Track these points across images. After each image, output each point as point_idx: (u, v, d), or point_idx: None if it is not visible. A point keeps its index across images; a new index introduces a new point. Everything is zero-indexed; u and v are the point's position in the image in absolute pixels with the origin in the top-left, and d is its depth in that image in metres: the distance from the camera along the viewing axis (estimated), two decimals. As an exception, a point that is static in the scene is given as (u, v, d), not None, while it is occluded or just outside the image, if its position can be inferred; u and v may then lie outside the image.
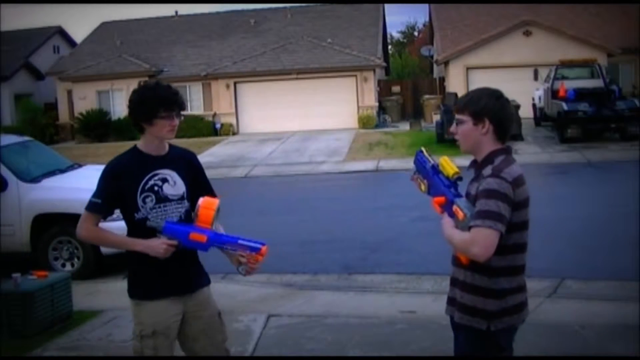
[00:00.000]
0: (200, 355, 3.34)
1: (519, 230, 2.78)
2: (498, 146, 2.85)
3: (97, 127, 27.27)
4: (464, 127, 2.85)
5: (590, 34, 26.32)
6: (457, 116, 2.88)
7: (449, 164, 2.88)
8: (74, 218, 7.71)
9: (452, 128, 2.92)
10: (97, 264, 7.96)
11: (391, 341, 5.32)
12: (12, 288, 5.66)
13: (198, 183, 3.36)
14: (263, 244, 3.13)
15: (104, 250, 7.73)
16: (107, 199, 3.20)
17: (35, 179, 8.15)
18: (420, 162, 2.99)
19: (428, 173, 2.93)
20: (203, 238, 3.11)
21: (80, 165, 9.36)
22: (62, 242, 7.97)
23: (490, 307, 2.79)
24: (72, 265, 7.95)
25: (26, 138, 9.73)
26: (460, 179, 2.86)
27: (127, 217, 3.23)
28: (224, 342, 3.43)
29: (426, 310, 5.81)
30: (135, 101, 3.19)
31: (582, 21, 28.06)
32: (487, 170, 2.76)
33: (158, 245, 3.11)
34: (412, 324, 5.69)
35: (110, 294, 7.16)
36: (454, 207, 2.76)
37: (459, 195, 2.82)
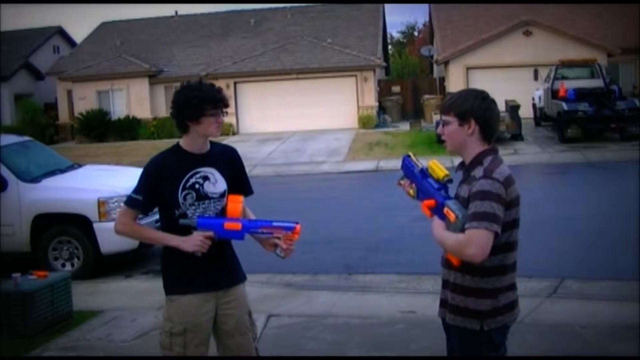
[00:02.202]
0: (235, 353, 3.34)
1: (510, 228, 2.79)
2: (485, 147, 2.86)
3: (97, 127, 27.28)
4: (450, 128, 2.87)
5: (590, 34, 26.32)
6: (443, 117, 2.90)
7: (439, 167, 2.88)
8: (73, 218, 7.84)
9: (439, 129, 2.94)
10: (97, 264, 7.96)
11: (391, 341, 5.32)
12: (12, 288, 5.66)
13: (239, 177, 3.40)
14: (297, 223, 3.20)
15: (104, 250, 7.74)
16: (148, 196, 3.22)
17: (35, 179, 8.15)
18: (407, 167, 2.99)
19: (417, 177, 2.93)
20: (238, 226, 3.16)
21: (80, 165, 9.35)
22: (62, 242, 7.97)
23: (483, 307, 2.80)
24: (72, 265, 7.95)
25: (26, 138, 9.73)
26: (450, 181, 2.86)
27: (166, 214, 3.25)
28: (255, 341, 3.46)
29: (426, 310, 5.81)
30: (182, 101, 3.21)
31: (582, 21, 28.06)
32: (478, 172, 2.77)
33: (194, 239, 3.13)
34: (412, 324, 5.69)
35: (110, 294, 7.16)
36: (445, 209, 2.76)
37: (449, 198, 2.82)
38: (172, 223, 3.22)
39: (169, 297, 3.28)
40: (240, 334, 3.35)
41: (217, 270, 3.26)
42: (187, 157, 3.25)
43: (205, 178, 3.25)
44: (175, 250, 3.19)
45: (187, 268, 3.22)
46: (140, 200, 3.22)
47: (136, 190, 3.25)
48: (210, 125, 3.20)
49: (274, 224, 3.19)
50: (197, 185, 3.22)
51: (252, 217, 3.41)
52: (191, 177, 3.22)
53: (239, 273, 3.42)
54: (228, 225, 3.16)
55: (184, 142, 3.28)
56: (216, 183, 3.27)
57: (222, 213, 3.26)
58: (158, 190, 3.21)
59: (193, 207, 3.21)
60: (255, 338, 3.46)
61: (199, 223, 3.16)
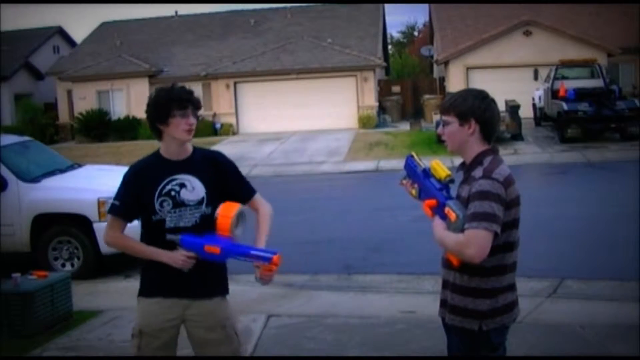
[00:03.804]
0: None
1: (509, 228, 2.79)
2: (485, 147, 2.86)
3: (97, 127, 27.28)
4: (450, 128, 2.87)
5: (590, 34, 26.32)
6: (443, 117, 2.90)
7: (441, 167, 2.88)
8: (74, 218, 7.83)
9: (439, 129, 2.94)
10: (97, 264, 7.96)
11: (391, 341, 5.32)
12: (12, 288, 5.66)
13: (230, 182, 3.32)
14: (275, 253, 3.06)
15: (104, 250, 7.74)
16: (125, 201, 3.21)
17: (35, 179, 8.15)
18: (410, 167, 2.99)
19: (419, 177, 2.93)
20: (216, 250, 3.09)
21: (80, 165, 9.35)
22: (62, 242, 7.97)
23: (481, 307, 2.80)
24: (72, 265, 7.95)
25: (26, 138, 9.74)
26: (452, 181, 2.86)
27: (144, 219, 3.23)
28: (235, 353, 3.33)
29: (426, 310, 5.80)
30: (150, 104, 3.21)
31: (582, 21, 28.06)
32: (478, 172, 2.77)
33: (177, 257, 3.12)
34: (412, 324, 5.69)
35: (110, 294, 7.16)
36: (446, 209, 2.76)
37: (450, 198, 2.82)
38: (151, 229, 3.20)
39: (137, 299, 3.29)
40: (213, 345, 3.27)
41: (187, 278, 3.18)
42: (164, 164, 3.22)
43: (182, 185, 3.20)
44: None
45: (159, 273, 3.19)
46: (117, 206, 3.22)
47: (115, 196, 3.25)
48: (179, 126, 3.15)
49: (252, 252, 3.09)
50: (172, 193, 3.18)
51: (266, 219, 3.32)
52: (167, 184, 3.18)
53: (215, 286, 3.31)
54: (208, 248, 3.10)
55: (161, 148, 3.26)
56: (193, 190, 3.21)
57: (204, 222, 3.18)
58: (135, 195, 3.19)
59: (170, 215, 3.17)
60: (234, 350, 3.32)
61: (182, 241, 3.12)
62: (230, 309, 3.38)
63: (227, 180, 3.31)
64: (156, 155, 3.28)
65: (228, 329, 3.31)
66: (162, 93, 3.19)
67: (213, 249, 3.09)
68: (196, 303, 3.25)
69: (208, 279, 3.27)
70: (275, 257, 3.04)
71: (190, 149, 3.29)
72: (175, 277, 3.18)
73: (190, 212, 3.20)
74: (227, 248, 3.09)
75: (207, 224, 3.17)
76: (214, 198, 3.22)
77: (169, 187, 3.19)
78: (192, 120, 3.19)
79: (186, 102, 3.17)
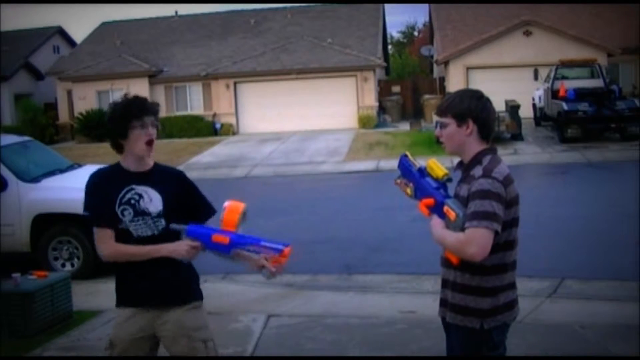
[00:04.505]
0: None
1: (509, 227, 2.80)
2: (483, 146, 2.87)
3: (97, 127, 27.18)
4: (448, 130, 2.87)
5: (590, 34, 26.31)
6: (440, 119, 2.90)
7: (438, 166, 2.88)
8: (74, 218, 7.83)
9: (437, 131, 2.94)
10: (97, 264, 7.95)
11: (391, 341, 5.32)
12: (12, 288, 5.67)
13: (190, 199, 3.29)
14: (286, 245, 3.03)
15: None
16: (102, 208, 3.15)
17: (35, 179, 8.15)
18: (405, 167, 2.98)
19: (414, 176, 2.92)
20: (225, 240, 3.04)
21: (80, 165, 9.35)
22: (62, 242, 7.97)
23: (483, 306, 2.81)
24: (72, 265, 7.95)
25: (26, 138, 9.73)
26: (449, 180, 2.86)
27: (114, 229, 3.18)
28: None
29: (426, 310, 5.81)
30: (108, 119, 3.17)
31: (582, 21, 28.06)
32: (478, 171, 2.78)
33: (181, 247, 3.07)
34: (412, 324, 5.69)
35: (110, 294, 7.10)
36: (445, 208, 2.76)
37: (448, 197, 2.82)
38: (119, 234, 3.14)
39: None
40: (187, 356, 3.20)
41: (158, 287, 3.16)
42: (124, 174, 3.19)
43: (140, 195, 3.17)
44: (121, 263, 3.21)
45: (130, 283, 3.21)
46: (99, 214, 3.14)
47: (88, 207, 3.19)
48: (139, 139, 3.10)
49: (262, 243, 3.04)
50: (132, 201, 3.15)
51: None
52: (126, 192, 3.16)
53: (183, 293, 3.23)
54: (216, 237, 3.04)
55: (121, 160, 3.24)
56: (152, 202, 3.17)
57: (163, 235, 3.14)
58: (104, 199, 3.15)
59: (133, 223, 3.14)
60: None
61: (188, 231, 3.07)
62: (203, 320, 3.27)
63: (187, 199, 3.27)
64: (116, 165, 3.25)
65: (193, 341, 3.19)
66: (118, 106, 3.14)
67: (222, 238, 3.03)
68: (165, 313, 3.19)
69: (175, 286, 3.21)
70: (286, 249, 3.02)
71: (150, 163, 3.25)
72: (145, 287, 3.17)
73: (153, 222, 3.16)
74: (236, 238, 3.04)
75: (166, 236, 3.14)
76: (169, 213, 3.19)
77: (128, 195, 3.15)
78: (152, 131, 3.14)
79: (142, 110, 3.11)
